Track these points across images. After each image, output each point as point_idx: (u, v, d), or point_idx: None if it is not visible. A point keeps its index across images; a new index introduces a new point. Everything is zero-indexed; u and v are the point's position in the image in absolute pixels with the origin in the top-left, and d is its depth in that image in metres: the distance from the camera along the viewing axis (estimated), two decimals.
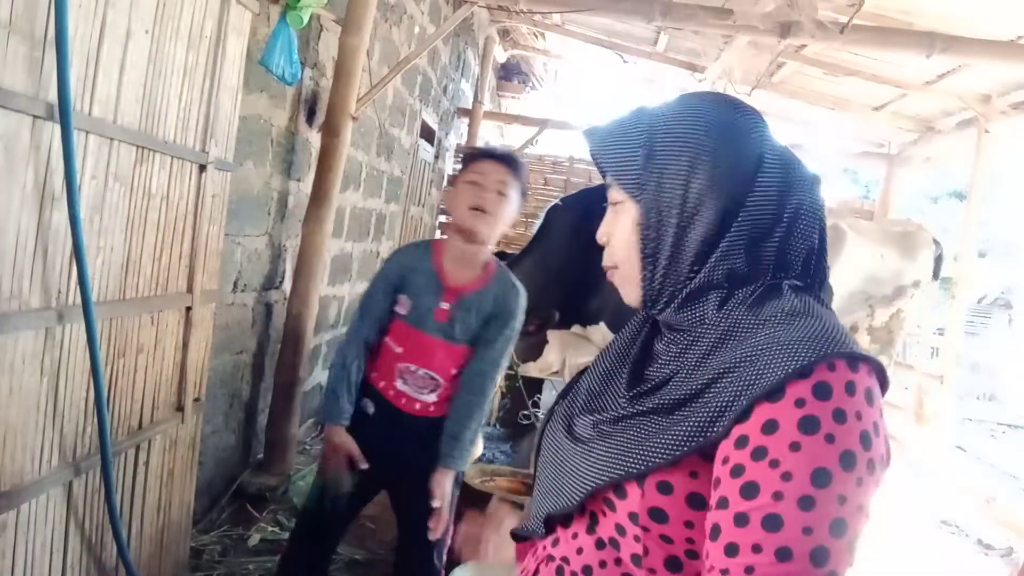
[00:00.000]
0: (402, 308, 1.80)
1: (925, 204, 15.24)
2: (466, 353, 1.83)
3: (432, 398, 1.83)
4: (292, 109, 3.17)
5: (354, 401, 1.79)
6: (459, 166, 1.99)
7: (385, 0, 4.13)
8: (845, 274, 3.60)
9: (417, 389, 1.82)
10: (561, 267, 3.01)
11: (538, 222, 3.27)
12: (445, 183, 7.20)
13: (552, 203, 3.25)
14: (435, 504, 1.75)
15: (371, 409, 1.83)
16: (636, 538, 0.74)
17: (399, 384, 1.81)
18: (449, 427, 1.81)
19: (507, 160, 1.80)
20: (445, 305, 1.78)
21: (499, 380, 1.93)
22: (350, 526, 2.03)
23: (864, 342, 3.69)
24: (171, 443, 2.13)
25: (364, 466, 1.77)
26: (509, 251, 5.55)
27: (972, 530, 4.33)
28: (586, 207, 3.29)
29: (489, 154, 1.83)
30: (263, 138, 2.92)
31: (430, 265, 1.80)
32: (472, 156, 1.86)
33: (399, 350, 1.80)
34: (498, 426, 4.48)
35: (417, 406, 1.82)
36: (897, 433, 5.74)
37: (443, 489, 1.77)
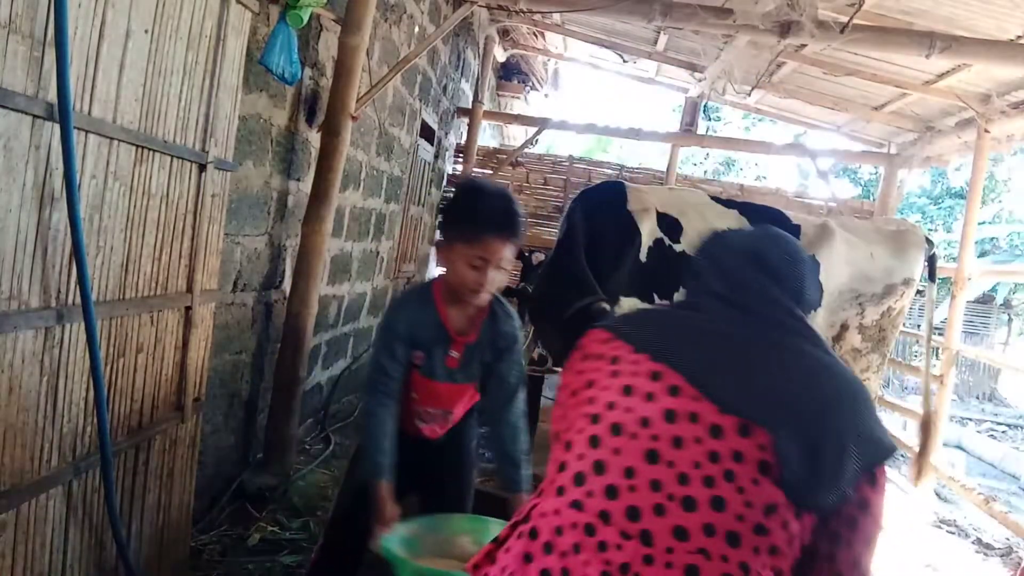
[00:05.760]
0: (417, 360, 1.83)
1: (926, 204, 15.22)
2: (473, 387, 1.92)
3: (447, 425, 1.94)
4: (292, 109, 3.17)
5: (392, 454, 1.77)
6: (451, 201, 1.79)
7: (385, 0, 4.13)
8: (834, 272, 3.61)
9: (434, 422, 1.91)
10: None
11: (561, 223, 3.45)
12: (444, 183, 7.21)
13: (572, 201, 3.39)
14: None
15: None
16: None
17: (417, 422, 1.90)
18: (505, 456, 1.87)
19: (513, 232, 1.69)
20: (455, 354, 1.82)
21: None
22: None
23: (855, 340, 3.69)
24: (171, 443, 2.13)
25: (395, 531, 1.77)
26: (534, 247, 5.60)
27: (972, 530, 4.33)
28: (589, 206, 3.35)
29: (496, 228, 1.66)
30: (263, 138, 2.92)
31: (436, 317, 1.79)
32: (475, 224, 1.66)
33: (415, 396, 1.87)
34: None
35: (437, 430, 1.93)
36: (899, 435, 5.74)
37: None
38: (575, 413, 1.09)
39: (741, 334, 1.06)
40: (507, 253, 1.70)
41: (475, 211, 1.68)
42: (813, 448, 0.93)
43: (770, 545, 0.92)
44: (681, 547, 0.91)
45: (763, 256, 1.13)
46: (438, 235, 1.77)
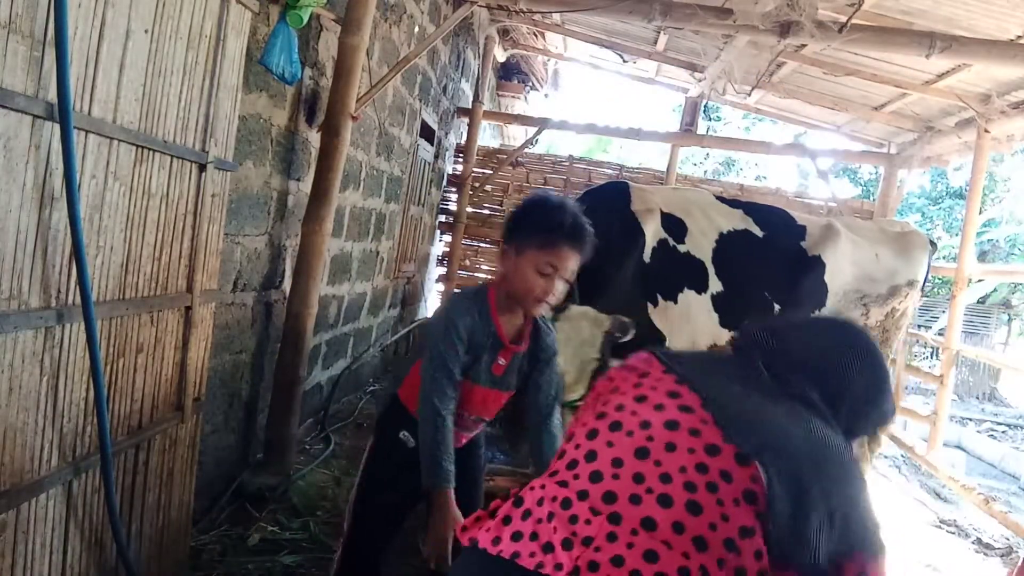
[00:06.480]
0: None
1: (926, 204, 15.21)
2: (511, 394, 1.90)
3: (475, 433, 1.93)
4: (292, 109, 3.17)
5: (453, 460, 1.75)
6: (523, 210, 1.78)
7: (385, 0, 4.13)
8: (840, 272, 3.61)
9: (465, 430, 1.89)
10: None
11: None
12: (444, 183, 7.21)
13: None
14: None
15: (412, 443, 1.85)
16: None
17: None
18: (544, 464, 1.86)
19: (583, 244, 1.71)
20: (502, 361, 1.82)
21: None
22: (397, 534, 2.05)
23: None
24: (171, 443, 2.13)
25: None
26: None
27: (972, 530, 4.33)
28: (593, 207, 3.31)
29: (571, 237, 1.69)
30: (263, 138, 2.92)
31: (490, 323, 1.79)
32: (550, 231, 1.68)
33: None
34: (498, 426, 4.48)
35: (462, 440, 1.90)
36: (899, 434, 5.74)
37: None
38: (589, 412, 1.16)
39: (769, 391, 1.09)
40: (573, 264, 1.71)
41: (551, 220, 1.70)
42: (802, 506, 0.95)
43: (738, 566, 0.93)
44: (646, 535, 0.94)
45: (808, 344, 1.15)
46: (504, 243, 1.77)
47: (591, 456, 1.05)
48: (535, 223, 1.72)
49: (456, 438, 1.85)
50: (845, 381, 1.11)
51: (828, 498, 0.96)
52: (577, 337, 2.36)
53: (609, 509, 0.97)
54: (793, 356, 1.13)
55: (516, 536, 1.00)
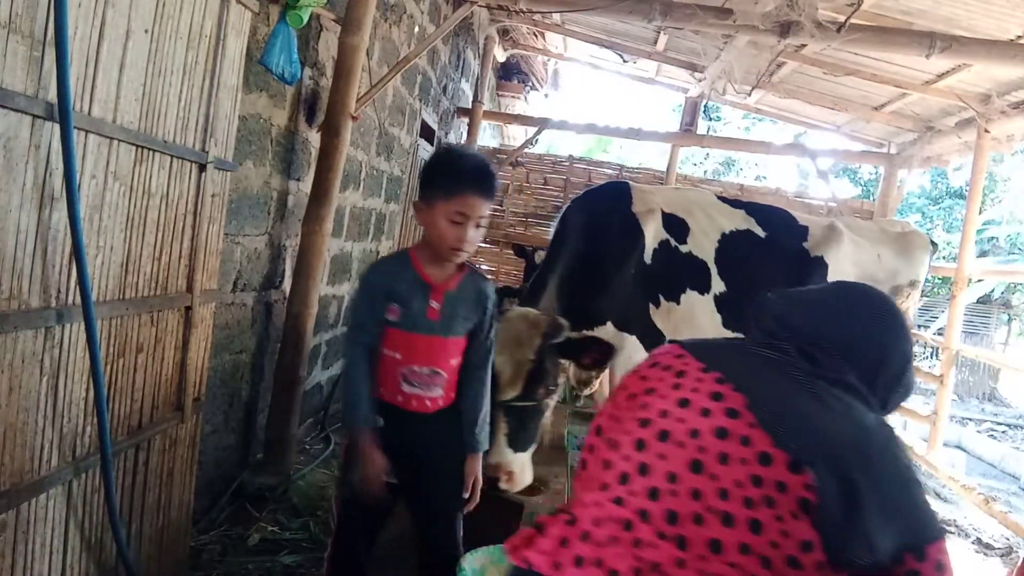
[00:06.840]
0: (393, 316, 1.81)
1: (926, 204, 15.22)
2: (461, 344, 1.89)
3: (439, 392, 1.87)
4: (292, 109, 3.17)
5: (373, 405, 1.79)
6: (430, 162, 1.90)
7: (385, 0, 4.13)
8: (842, 273, 3.61)
9: (424, 387, 1.85)
10: (571, 268, 3.05)
11: (554, 223, 3.33)
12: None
13: (568, 205, 3.31)
14: (467, 494, 1.90)
15: (381, 422, 1.85)
16: None
17: (405, 388, 1.84)
18: (466, 417, 1.92)
19: (489, 189, 1.77)
20: (435, 304, 1.81)
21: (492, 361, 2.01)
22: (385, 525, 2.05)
23: None
24: (171, 443, 2.13)
25: (390, 479, 1.80)
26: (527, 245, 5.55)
27: (972, 530, 4.33)
28: (593, 207, 3.31)
29: (475, 184, 1.74)
30: (263, 138, 2.92)
31: (412, 270, 1.82)
32: (454, 180, 1.75)
33: (398, 356, 1.83)
34: None
35: (428, 403, 1.86)
36: (899, 435, 5.74)
37: (474, 474, 1.92)
38: (627, 415, 1.10)
39: (808, 379, 1.06)
40: (484, 210, 1.77)
41: (454, 168, 1.77)
42: (856, 505, 0.92)
43: None
44: (715, 558, 0.91)
45: (841, 320, 1.13)
46: (418, 199, 1.84)
47: (643, 469, 1.00)
48: (440, 175, 1.79)
49: (419, 400, 1.85)
50: (881, 356, 1.10)
51: (879, 490, 0.94)
52: (514, 338, 2.36)
53: (674, 531, 0.94)
54: (831, 339, 1.10)
55: (578, 561, 0.95)
